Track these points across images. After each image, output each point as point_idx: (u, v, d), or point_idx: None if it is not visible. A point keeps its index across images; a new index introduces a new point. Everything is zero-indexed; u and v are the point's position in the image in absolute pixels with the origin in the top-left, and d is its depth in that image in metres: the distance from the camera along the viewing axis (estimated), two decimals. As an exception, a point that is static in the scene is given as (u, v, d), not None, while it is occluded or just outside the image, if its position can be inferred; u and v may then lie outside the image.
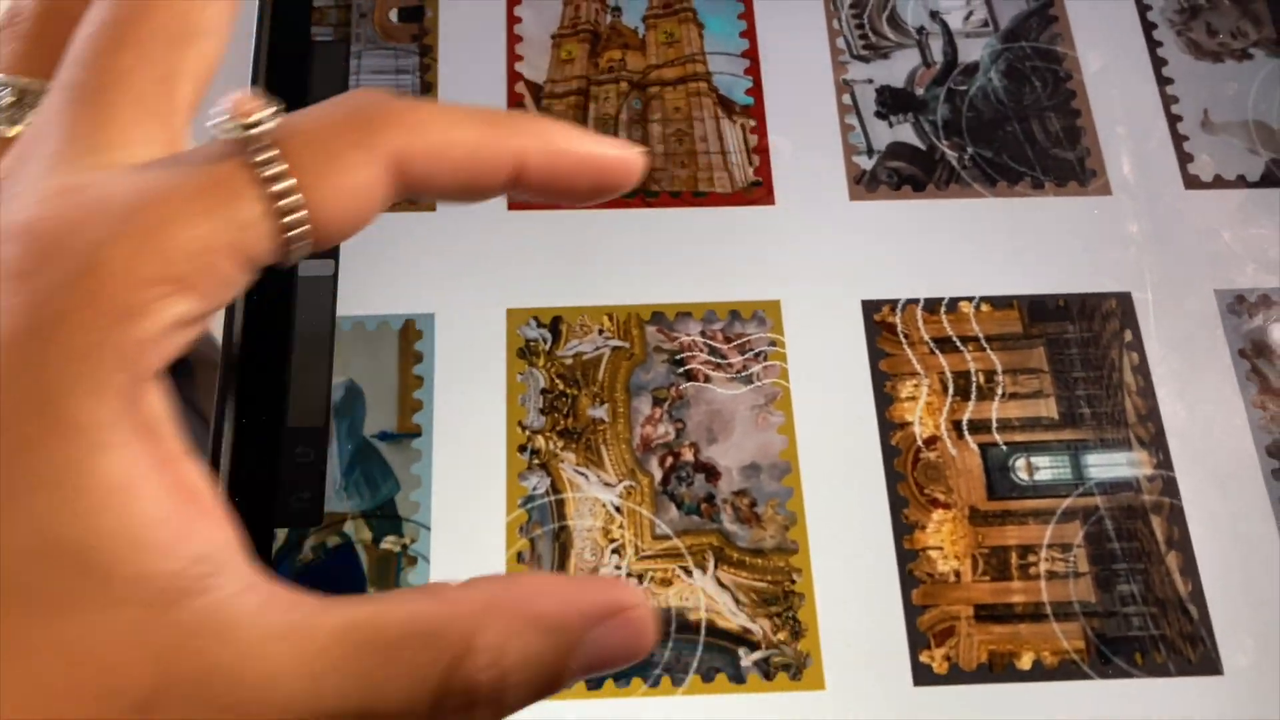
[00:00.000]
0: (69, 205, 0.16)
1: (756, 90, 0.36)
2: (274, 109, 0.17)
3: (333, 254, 0.33)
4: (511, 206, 0.34)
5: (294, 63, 0.34)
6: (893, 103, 0.36)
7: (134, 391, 0.16)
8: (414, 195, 0.18)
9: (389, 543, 0.30)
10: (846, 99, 0.36)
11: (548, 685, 0.18)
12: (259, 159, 0.17)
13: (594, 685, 0.28)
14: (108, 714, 0.15)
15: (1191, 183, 0.35)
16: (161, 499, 0.16)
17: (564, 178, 0.19)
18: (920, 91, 0.36)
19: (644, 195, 0.34)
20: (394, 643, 0.17)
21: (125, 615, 0.15)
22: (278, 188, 0.17)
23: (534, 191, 0.19)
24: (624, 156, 0.19)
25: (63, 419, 0.15)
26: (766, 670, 0.29)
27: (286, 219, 0.17)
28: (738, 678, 0.28)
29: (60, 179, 0.17)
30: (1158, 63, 0.36)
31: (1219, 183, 0.35)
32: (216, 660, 0.16)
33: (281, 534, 0.30)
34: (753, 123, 0.35)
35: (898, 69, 0.36)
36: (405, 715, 0.17)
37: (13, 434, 0.15)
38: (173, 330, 0.16)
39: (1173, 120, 0.36)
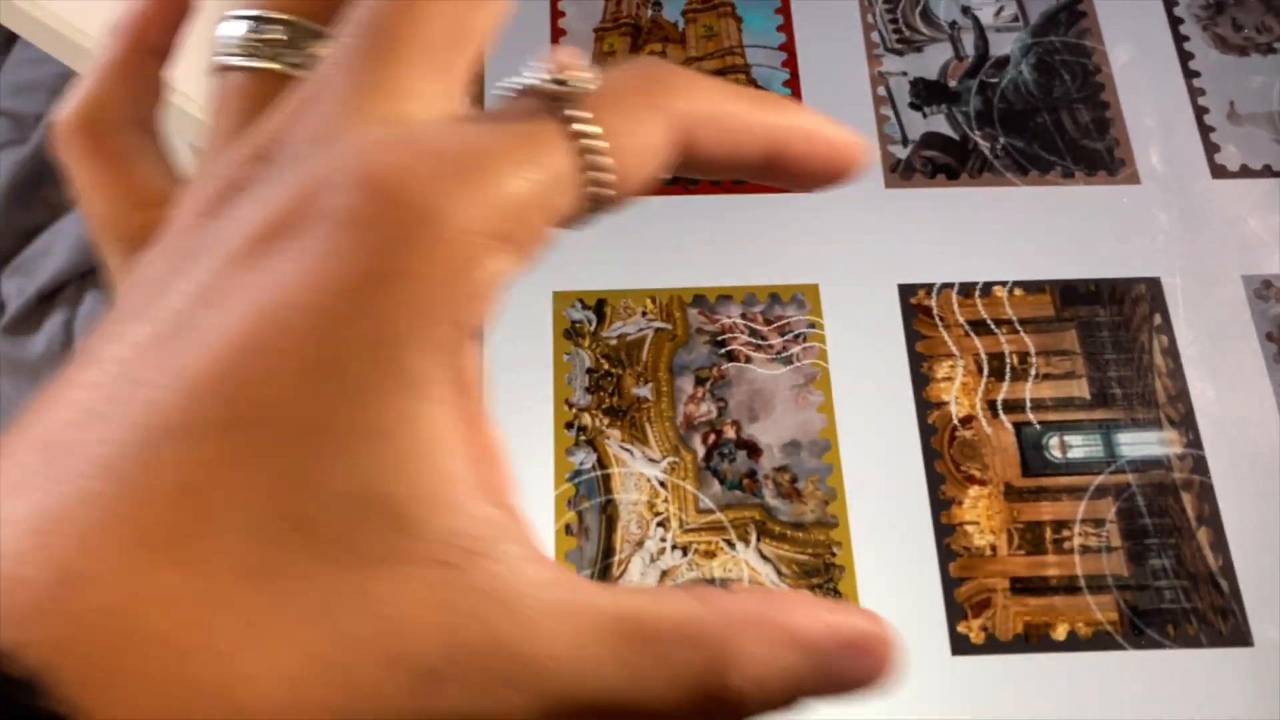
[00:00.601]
0: (403, 156, 0.16)
1: (794, 82, 0.37)
2: (594, 70, 0.17)
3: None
4: (557, 193, 0.35)
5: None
6: (926, 94, 0.37)
7: (458, 347, 0.16)
8: (684, 166, 0.19)
9: (442, 515, 0.31)
10: (881, 91, 0.37)
11: (793, 701, 0.18)
12: (574, 115, 0.17)
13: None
14: (394, 679, 0.15)
15: (1218, 172, 0.35)
16: (468, 457, 0.16)
17: (818, 161, 0.19)
18: (953, 84, 0.37)
19: (685, 184, 0.35)
20: (664, 639, 0.17)
21: (428, 575, 0.15)
22: (591, 144, 0.17)
23: (785, 172, 0.19)
24: (863, 148, 0.20)
25: (401, 369, 0.15)
26: (809, 639, 0.29)
27: (595, 174, 0.17)
28: (781, 646, 0.29)
29: (380, 129, 0.17)
30: (1184, 56, 0.37)
31: (1245, 172, 0.35)
32: (502, 632, 0.15)
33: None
34: (790, 113, 0.36)
35: (931, 62, 0.37)
36: (667, 714, 0.17)
37: (352, 380, 0.15)
38: (496, 286, 0.16)
39: (1199, 112, 0.36)
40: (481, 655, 0.15)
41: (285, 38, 0.20)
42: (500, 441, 0.16)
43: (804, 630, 0.18)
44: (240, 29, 0.20)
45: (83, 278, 1.09)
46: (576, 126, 0.17)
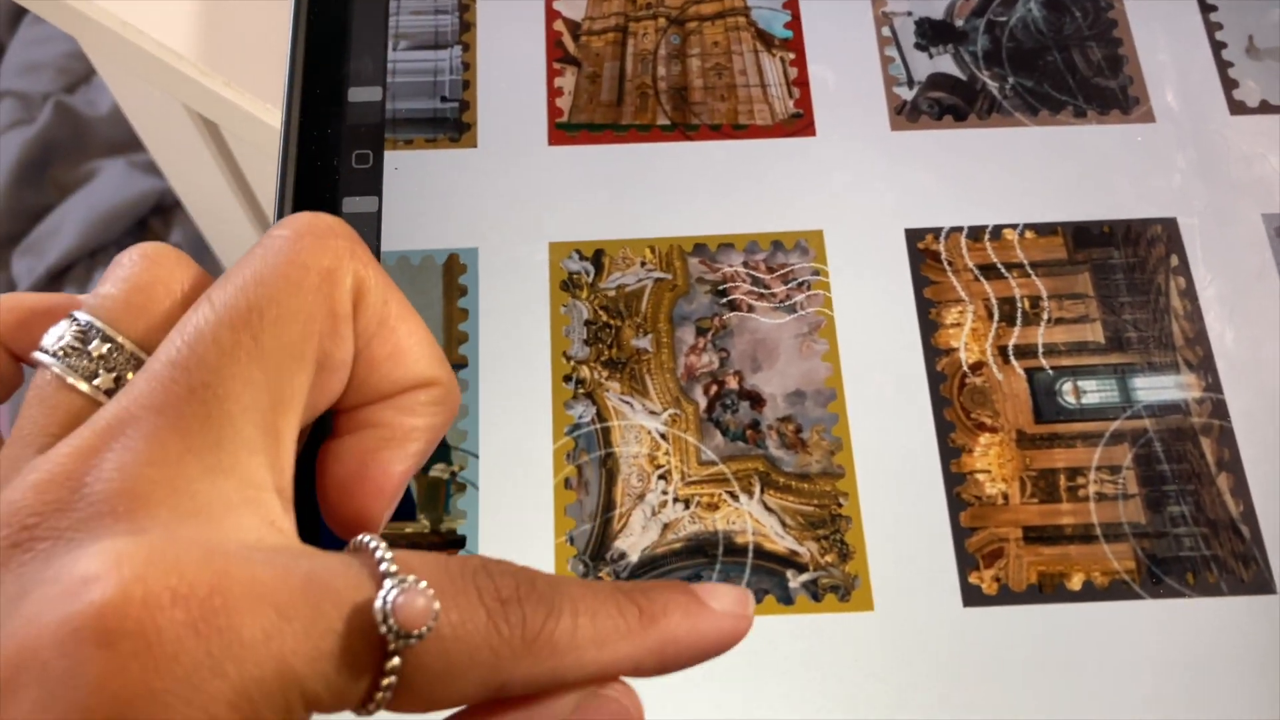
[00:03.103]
0: (152, 600, 0.15)
1: (795, 24, 0.36)
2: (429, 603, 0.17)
3: (376, 190, 0.33)
4: (553, 142, 0.34)
5: (335, 3, 0.34)
6: (932, 34, 0.35)
7: None
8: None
9: (438, 470, 0.30)
10: (886, 31, 0.36)
11: None
12: (392, 666, 0.17)
13: (643, 606, 0.28)
14: None
15: (1237, 109, 0.34)
16: None
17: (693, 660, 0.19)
18: (960, 23, 0.36)
19: (684, 129, 0.34)
20: None
21: None
22: (390, 686, 0.17)
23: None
24: (744, 617, 0.20)
25: None
26: (815, 592, 0.29)
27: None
28: (786, 599, 0.29)
29: (178, 531, 0.16)
30: (1201, -10, 0.36)
31: (1265, 108, 0.34)
32: None
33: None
34: (792, 56, 0.35)
35: (936, 1, 0.36)
36: None
37: None
38: None
39: (1216, 47, 0.35)
40: None
41: (107, 355, 0.19)
42: None
43: None
44: (67, 332, 0.19)
45: (92, 256, 1.09)
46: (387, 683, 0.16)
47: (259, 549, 0.16)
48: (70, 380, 0.18)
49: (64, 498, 0.16)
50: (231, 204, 0.60)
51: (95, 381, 0.18)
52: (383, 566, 0.17)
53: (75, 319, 0.19)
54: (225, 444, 0.17)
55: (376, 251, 0.32)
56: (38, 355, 0.19)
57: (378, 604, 0.16)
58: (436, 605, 0.16)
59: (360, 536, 0.18)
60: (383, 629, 0.16)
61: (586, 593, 0.18)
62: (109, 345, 0.19)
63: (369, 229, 0.32)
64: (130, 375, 0.18)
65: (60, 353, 0.19)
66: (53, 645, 0.15)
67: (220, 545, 0.16)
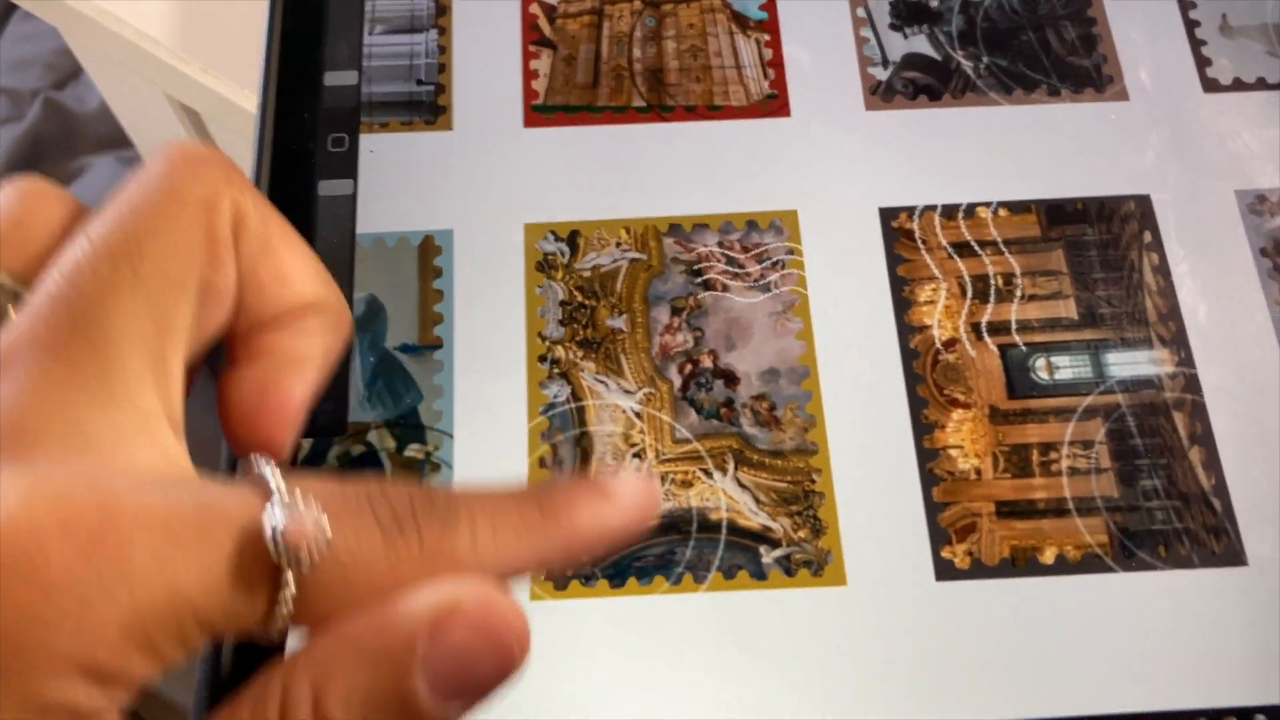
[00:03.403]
0: (39, 526, 0.15)
1: (770, 6, 0.36)
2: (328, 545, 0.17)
3: (351, 173, 0.33)
4: (528, 124, 0.34)
5: (309, -14, 0.35)
6: (907, 14, 0.35)
7: None
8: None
9: (413, 450, 0.30)
10: (860, 12, 0.36)
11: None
12: (287, 592, 0.17)
13: (617, 583, 0.28)
14: None
15: (1210, 86, 0.34)
16: None
17: (605, 552, 0.20)
18: (935, 3, 0.36)
19: (659, 110, 0.34)
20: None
21: None
22: (287, 609, 0.17)
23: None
24: (643, 516, 0.20)
25: None
26: (788, 567, 0.29)
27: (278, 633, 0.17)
28: (759, 574, 0.29)
29: (67, 463, 0.16)
30: (1175, -31, 0.36)
31: (1238, 85, 0.34)
32: None
33: (306, 444, 0.30)
34: (767, 37, 0.35)
35: (912, -18, 0.36)
36: None
37: None
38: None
39: (1190, 25, 0.35)
40: None
41: None
42: None
43: (364, 639, 0.17)
44: None
45: (82, 253, 1.08)
46: (283, 601, 0.17)
47: (150, 478, 0.17)
48: None
49: None
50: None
51: None
52: (274, 490, 0.17)
53: None
54: (112, 375, 0.17)
55: (352, 234, 0.32)
56: None
57: (267, 529, 0.16)
58: (327, 527, 0.16)
59: (253, 458, 0.18)
60: (273, 552, 0.16)
61: (486, 501, 0.18)
62: None
63: (345, 212, 0.32)
64: (12, 312, 0.18)
65: None
66: None
67: (110, 475, 0.16)
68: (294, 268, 0.21)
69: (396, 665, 0.16)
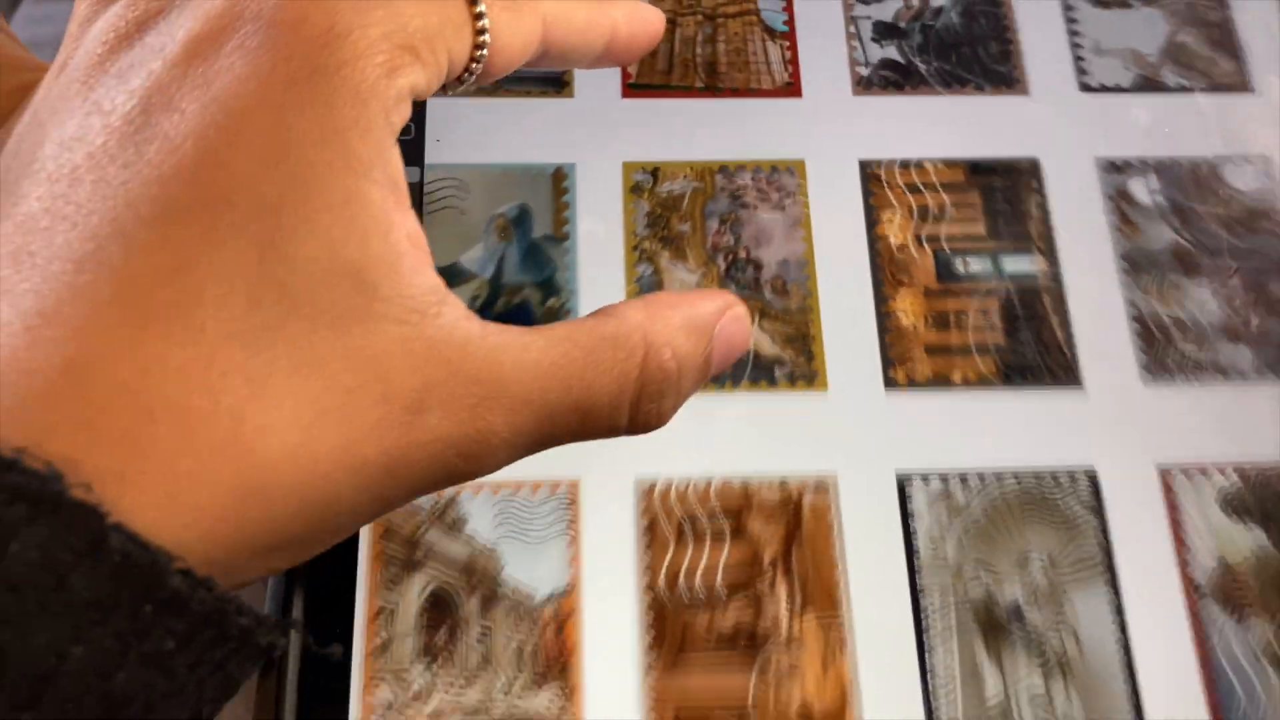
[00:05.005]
0: None
1: (790, 21, 0.52)
2: None
3: (418, 161, 0.49)
4: (625, 96, 0.51)
5: None
6: (884, 32, 0.52)
7: (389, 141, 0.17)
8: (541, 57, 0.21)
9: (552, 302, 0.46)
10: (852, 30, 0.52)
11: (702, 374, 0.21)
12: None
13: (684, 384, 0.45)
14: (387, 415, 0.16)
15: (1084, 88, 0.51)
16: (406, 237, 0.17)
17: (638, 40, 0.23)
18: (903, 25, 0.52)
19: (713, 90, 0.51)
20: (592, 349, 0.19)
21: (391, 330, 0.16)
22: (481, 9, 0.19)
23: (615, 56, 0.23)
24: (660, 21, 0.24)
25: (348, 151, 0.16)
26: (791, 378, 0.45)
27: (480, 38, 0.19)
28: (772, 382, 0.45)
29: None
30: (1067, 9, 0.53)
31: (1103, 89, 0.51)
32: (460, 367, 0.17)
33: (485, 296, 0.46)
34: (787, 43, 0.52)
35: (888, 9, 0.53)
36: (613, 405, 0.19)
37: (306, 162, 0.15)
38: (410, 95, 0.18)
39: (1075, 47, 0.52)
40: (452, 386, 0.17)
41: None
42: (420, 231, 0.17)
43: (688, 315, 0.21)
44: None
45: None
46: (476, 8, 0.19)
47: None
48: None
49: None
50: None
51: None
52: None
53: None
54: None
55: (419, 218, 0.49)
56: None
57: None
58: None
59: None
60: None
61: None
62: None
63: (412, 198, 0.49)
64: None
65: None
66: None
67: None
68: None
69: (703, 337, 0.21)
